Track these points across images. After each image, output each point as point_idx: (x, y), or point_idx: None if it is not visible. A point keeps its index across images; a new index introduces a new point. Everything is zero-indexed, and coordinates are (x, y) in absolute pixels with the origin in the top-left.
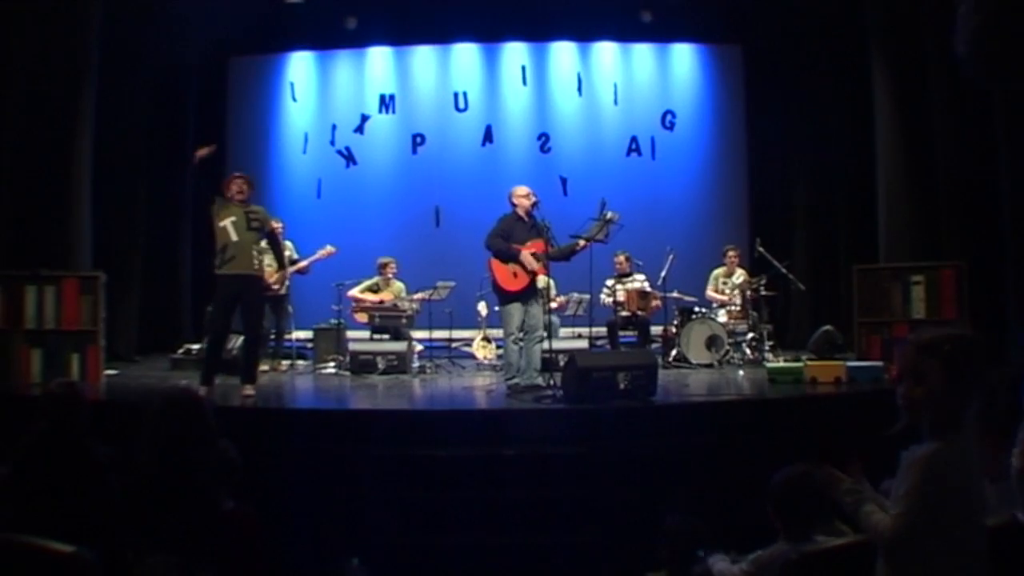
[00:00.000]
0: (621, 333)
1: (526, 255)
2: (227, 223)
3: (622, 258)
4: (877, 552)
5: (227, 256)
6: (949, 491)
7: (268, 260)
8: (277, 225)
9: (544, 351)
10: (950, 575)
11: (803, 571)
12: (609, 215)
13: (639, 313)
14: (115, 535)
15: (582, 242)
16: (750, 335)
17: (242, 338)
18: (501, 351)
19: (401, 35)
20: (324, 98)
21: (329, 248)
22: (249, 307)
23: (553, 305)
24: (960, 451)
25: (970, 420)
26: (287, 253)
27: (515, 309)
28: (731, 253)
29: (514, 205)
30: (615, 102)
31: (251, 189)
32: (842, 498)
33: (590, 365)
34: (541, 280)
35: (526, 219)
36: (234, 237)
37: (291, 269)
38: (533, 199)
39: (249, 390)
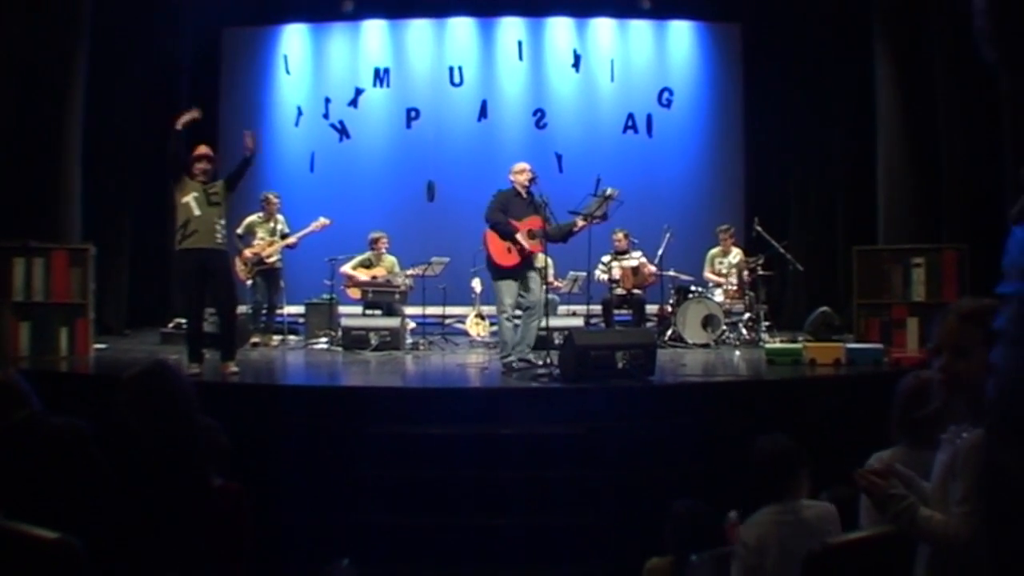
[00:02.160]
0: (616, 311)
1: (522, 235)
2: (189, 199)
3: (621, 236)
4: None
5: (188, 231)
6: None
7: (262, 233)
8: (274, 199)
9: (540, 328)
10: None
11: (826, 563)
12: (608, 191)
13: (634, 292)
14: (99, 518)
15: (580, 221)
16: (746, 315)
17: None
18: (495, 328)
19: (397, 8)
20: (318, 71)
21: (323, 220)
22: (217, 282)
23: (554, 284)
24: None
25: None
26: (279, 227)
27: (507, 285)
28: (724, 232)
29: (512, 181)
30: (612, 79)
31: (214, 167)
32: (890, 506)
33: (588, 343)
34: (540, 259)
35: (524, 195)
36: (196, 212)
37: (283, 243)
38: (529, 174)
39: (232, 367)
